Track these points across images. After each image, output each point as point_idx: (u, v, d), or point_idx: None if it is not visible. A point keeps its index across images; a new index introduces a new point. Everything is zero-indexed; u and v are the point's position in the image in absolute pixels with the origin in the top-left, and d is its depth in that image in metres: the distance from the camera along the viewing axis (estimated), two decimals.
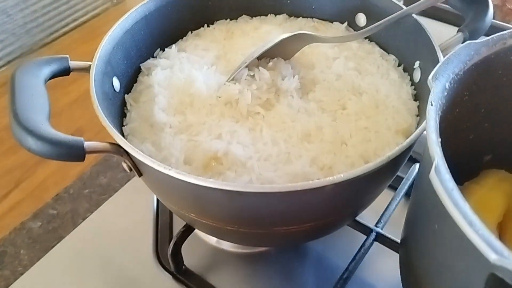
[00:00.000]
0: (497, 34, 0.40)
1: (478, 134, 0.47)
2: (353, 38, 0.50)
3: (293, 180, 0.41)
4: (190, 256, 0.53)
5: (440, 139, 0.33)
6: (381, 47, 0.55)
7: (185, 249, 0.52)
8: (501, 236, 0.43)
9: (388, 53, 0.54)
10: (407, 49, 0.51)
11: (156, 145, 0.44)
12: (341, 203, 0.40)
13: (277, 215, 0.39)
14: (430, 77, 0.36)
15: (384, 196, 0.51)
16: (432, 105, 0.34)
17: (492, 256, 0.24)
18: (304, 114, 0.46)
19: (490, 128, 0.47)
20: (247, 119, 0.46)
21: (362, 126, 0.45)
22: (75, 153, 0.37)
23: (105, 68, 0.46)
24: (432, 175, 0.29)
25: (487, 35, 0.41)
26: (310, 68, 0.51)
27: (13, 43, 1.01)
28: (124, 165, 0.41)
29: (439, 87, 0.36)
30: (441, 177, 0.29)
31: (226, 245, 0.54)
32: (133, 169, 0.41)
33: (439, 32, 0.58)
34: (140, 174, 0.42)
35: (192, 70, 0.50)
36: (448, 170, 0.30)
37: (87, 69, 0.44)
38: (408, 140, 0.38)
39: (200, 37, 0.57)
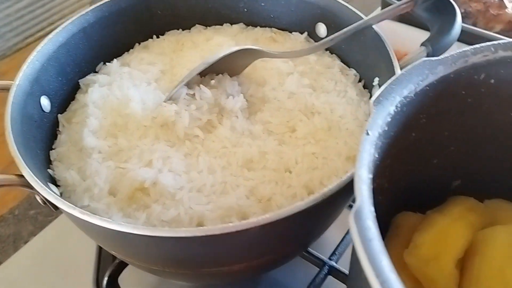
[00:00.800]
0: (458, 51, 0.35)
1: (443, 158, 0.42)
2: (305, 54, 0.46)
3: (226, 215, 0.37)
4: (135, 285, 0.49)
5: (371, 176, 0.28)
6: (342, 61, 0.50)
7: (127, 278, 0.48)
8: (462, 274, 0.38)
9: (350, 68, 0.49)
10: (367, 64, 0.46)
11: (81, 173, 0.40)
12: (274, 242, 0.35)
13: (200, 258, 0.34)
14: (371, 101, 0.32)
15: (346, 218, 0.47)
16: (368, 134, 0.30)
17: None
18: (248, 137, 0.42)
19: (457, 152, 0.42)
20: (183, 143, 0.41)
21: (310, 151, 0.41)
22: None
23: (30, 87, 0.42)
24: (350, 220, 0.25)
25: (470, 44, 0.36)
26: (260, 85, 0.47)
27: None
28: (38, 198, 0.37)
29: (381, 113, 0.31)
30: (361, 224, 0.25)
31: None
32: (47, 203, 0.37)
33: (416, 40, 0.52)
34: (55, 208, 0.38)
35: (130, 87, 0.46)
36: (373, 215, 0.26)
37: (9, 89, 0.41)
38: (349, 174, 0.33)
39: (147, 49, 0.53)
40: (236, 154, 0.40)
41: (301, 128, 0.42)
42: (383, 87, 0.32)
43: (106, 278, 0.45)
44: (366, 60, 0.46)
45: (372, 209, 0.26)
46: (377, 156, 0.31)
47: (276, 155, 0.40)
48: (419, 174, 0.42)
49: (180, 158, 0.40)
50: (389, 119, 0.31)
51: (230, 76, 0.46)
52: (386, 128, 0.31)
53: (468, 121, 0.39)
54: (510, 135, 0.40)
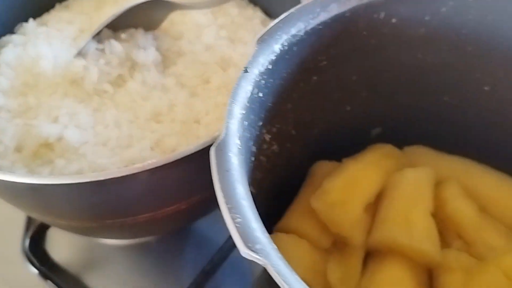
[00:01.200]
0: None
1: (356, 105, 0.41)
2: (215, 4, 0.44)
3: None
4: (64, 250, 0.49)
5: (244, 112, 0.27)
6: (266, 13, 0.49)
7: (58, 242, 0.48)
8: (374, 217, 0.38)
9: (272, 19, 0.48)
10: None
11: None
12: (174, 190, 0.35)
13: (97, 208, 0.34)
14: (256, 38, 0.31)
15: None
16: (246, 71, 0.29)
17: (242, 249, 0.21)
18: (160, 91, 0.41)
19: (371, 99, 0.41)
20: (92, 98, 0.41)
21: (222, 102, 0.40)
22: None
23: None
24: (211, 152, 0.25)
25: None
26: (177, 39, 0.46)
27: None
28: None
29: (264, 51, 0.30)
30: (221, 156, 0.25)
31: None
32: None
33: None
34: None
35: (44, 46, 0.45)
36: (238, 148, 0.26)
37: None
38: None
39: (68, 8, 0.51)
40: (144, 107, 0.40)
41: (215, 80, 0.42)
42: (269, 26, 0.32)
43: (28, 240, 0.45)
44: (285, 11, 0.45)
45: (238, 142, 0.26)
46: (261, 95, 0.30)
47: (186, 107, 0.40)
48: (334, 121, 0.42)
49: (88, 114, 0.40)
50: (273, 58, 0.31)
51: (146, 31, 0.45)
52: (271, 67, 0.31)
53: (375, 65, 0.39)
54: (420, 79, 0.40)
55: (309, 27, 0.32)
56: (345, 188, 0.38)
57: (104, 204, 0.34)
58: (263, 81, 0.30)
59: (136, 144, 0.38)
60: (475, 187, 0.39)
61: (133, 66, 0.43)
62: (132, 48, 0.43)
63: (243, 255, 0.22)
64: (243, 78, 0.29)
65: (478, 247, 0.36)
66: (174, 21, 0.46)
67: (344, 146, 0.42)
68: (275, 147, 0.36)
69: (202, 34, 0.45)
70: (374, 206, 0.38)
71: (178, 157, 0.30)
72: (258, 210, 0.36)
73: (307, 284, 0.35)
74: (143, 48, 0.43)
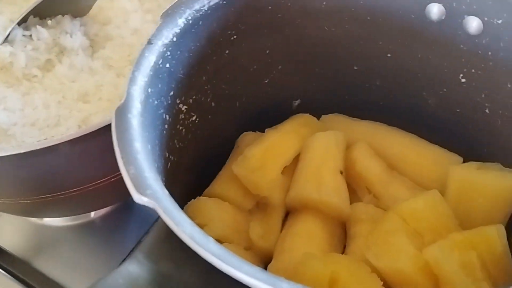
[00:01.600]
0: None
1: (273, 78, 0.44)
2: None
3: None
4: (10, 234, 0.50)
5: (146, 79, 0.30)
6: None
7: (3, 227, 0.50)
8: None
9: None
10: None
11: None
12: (99, 164, 0.37)
13: (26, 183, 0.36)
14: (161, 13, 0.33)
15: None
16: (150, 43, 0.32)
17: (134, 195, 0.24)
18: (88, 73, 0.44)
19: (287, 71, 0.44)
20: (21, 83, 0.43)
21: None
22: None
23: None
24: (112, 114, 0.27)
25: None
26: (106, 24, 0.48)
27: None
28: None
29: (168, 24, 0.33)
30: (121, 117, 0.27)
31: (48, 220, 0.52)
32: None
33: None
34: None
35: None
36: (138, 111, 0.29)
37: None
38: None
39: None
40: (72, 89, 0.42)
41: None
42: (174, 1, 0.34)
43: None
44: None
45: (138, 106, 0.29)
46: (169, 66, 0.33)
47: (112, 87, 0.42)
48: (254, 94, 0.44)
49: (17, 97, 0.41)
50: (178, 31, 0.33)
51: (75, 18, 0.47)
52: (175, 39, 0.33)
53: (286, 38, 0.41)
54: (329, 50, 0.43)
55: (212, 3, 0.35)
56: (264, 154, 0.40)
57: (32, 179, 0.36)
58: (168, 53, 0.32)
59: (63, 123, 0.40)
60: (384, 147, 0.43)
61: (62, 51, 0.45)
62: (59, 34, 0.45)
63: (136, 200, 0.24)
64: (147, 49, 0.31)
65: (385, 200, 0.40)
66: (102, 7, 0.48)
67: (269, 118, 0.45)
68: (194, 118, 0.39)
69: (129, 19, 0.47)
70: (293, 169, 0.42)
71: (95, 128, 0.33)
72: (182, 178, 0.39)
73: (230, 241, 0.38)
74: (70, 33, 0.45)
